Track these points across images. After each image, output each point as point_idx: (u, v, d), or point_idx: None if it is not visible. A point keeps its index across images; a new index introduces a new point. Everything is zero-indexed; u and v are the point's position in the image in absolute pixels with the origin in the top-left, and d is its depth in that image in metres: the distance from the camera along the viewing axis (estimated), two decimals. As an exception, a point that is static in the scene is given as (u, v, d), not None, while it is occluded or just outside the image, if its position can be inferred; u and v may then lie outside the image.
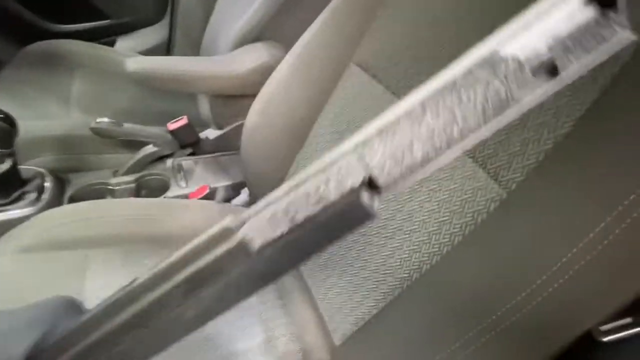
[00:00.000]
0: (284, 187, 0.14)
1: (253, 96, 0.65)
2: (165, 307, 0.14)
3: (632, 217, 0.22)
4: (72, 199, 0.77)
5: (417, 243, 0.40)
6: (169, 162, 0.87)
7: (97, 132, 0.78)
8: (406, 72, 0.46)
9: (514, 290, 0.26)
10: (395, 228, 0.43)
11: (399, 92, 0.46)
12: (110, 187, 0.80)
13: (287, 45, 0.64)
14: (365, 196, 0.12)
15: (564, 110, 0.29)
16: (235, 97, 0.86)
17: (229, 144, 0.92)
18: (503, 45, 0.11)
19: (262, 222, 0.14)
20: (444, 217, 0.37)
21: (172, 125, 0.82)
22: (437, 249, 0.37)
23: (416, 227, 0.40)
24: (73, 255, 0.57)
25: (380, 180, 0.12)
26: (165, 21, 1.20)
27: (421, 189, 0.41)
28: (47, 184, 0.74)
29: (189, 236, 0.61)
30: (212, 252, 0.14)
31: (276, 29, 0.82)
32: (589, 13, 0.10)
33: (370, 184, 0.12)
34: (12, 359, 0.15)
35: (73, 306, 0.19)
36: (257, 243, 0.14)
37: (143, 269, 0.59)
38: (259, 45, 0.84)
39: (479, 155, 0.35)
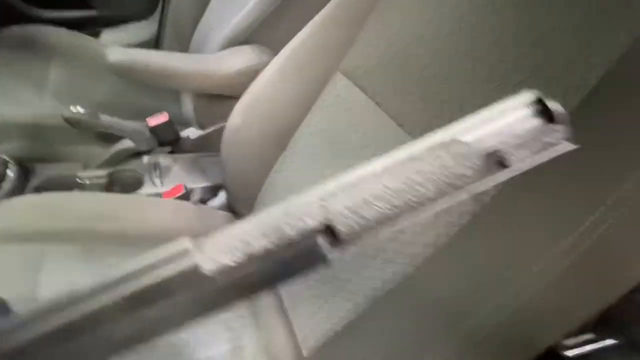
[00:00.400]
0: (249, 219, 0.14)
1: (238, 98, 0.65)
2: (99, 322, 0.13)
3: (598, 232, 0.23)
4: (37, 190, 0.72)
5: (391, 254, 0.40)
6: (146, 158, 0.84)
7: (71, 122, 0.75)
8: (390, 83, 0.46)
9: (484, 301, 0.26)
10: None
11: (382, 102, 0.47)
12: (79, 180, 0.76)
13: (276, 50, 0.63)
14: (321, 241, 0.13)
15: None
16: (220, 98, 0.84)
17: (210, 145, 0.90)
18: (462, 134, 0.13)
19: (220, 248, 0.13)
20: (417, 228, 0.37)
21: (152, 121, 0.80)
22: (408, 261, 0.37)
23: (390, 236, 0.40)
24: (29, 249, 0.53)
25: (339, 228, 0.12)
26: (155, 17, 1.18)
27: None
28: (10, 173, 0.70)
29: (158, 236, 0.59)
30: (163, 271, 0.14)
31: (266, 34, 0.82)
32: (536, 122, 0.12)
33: (329, 231, 0.13)
34: None
35: (2, 309, 0.17)
36: (211, 269, 0.13)
37: (106, 269, 0.55)
38: (248, 48, 0.83)
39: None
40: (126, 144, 0.80)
